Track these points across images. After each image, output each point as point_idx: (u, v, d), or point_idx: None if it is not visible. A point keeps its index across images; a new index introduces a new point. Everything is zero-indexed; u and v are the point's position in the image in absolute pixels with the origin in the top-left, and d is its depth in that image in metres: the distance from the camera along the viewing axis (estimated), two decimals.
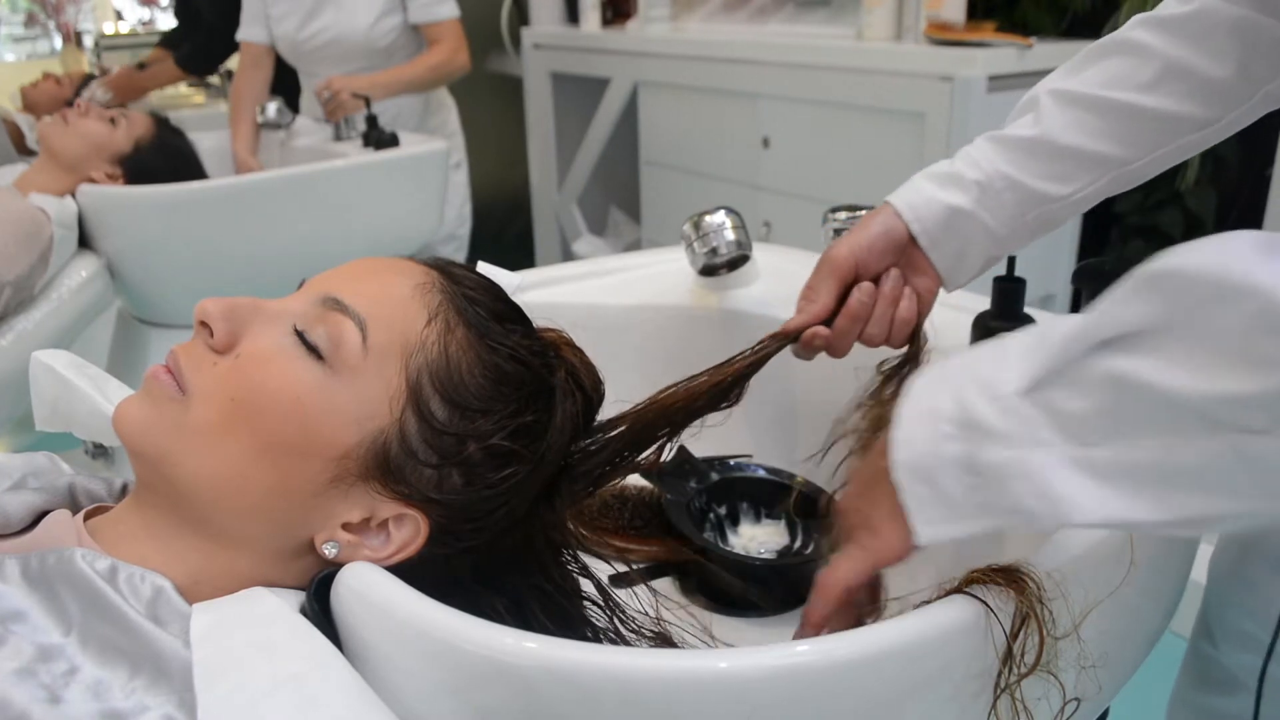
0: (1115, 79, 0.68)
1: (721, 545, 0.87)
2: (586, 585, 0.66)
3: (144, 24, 4.64)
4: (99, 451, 1.63)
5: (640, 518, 0.89)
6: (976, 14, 1.96)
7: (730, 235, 0.96)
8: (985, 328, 0.82)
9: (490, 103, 3.20)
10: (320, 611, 0.52)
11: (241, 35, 2.16)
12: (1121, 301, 0.44)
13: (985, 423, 0.47)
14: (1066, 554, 0.55)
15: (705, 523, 0.88)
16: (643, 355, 0.94)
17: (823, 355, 0.78)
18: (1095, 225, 2.11)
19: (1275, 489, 0.42)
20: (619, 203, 3.00)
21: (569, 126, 2.92)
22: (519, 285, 0.93)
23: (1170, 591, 0.71)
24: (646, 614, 0.66)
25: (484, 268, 0.83)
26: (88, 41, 4.13)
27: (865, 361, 0.84)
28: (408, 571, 0.53)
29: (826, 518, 0.76)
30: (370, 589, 0.51)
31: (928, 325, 0.76)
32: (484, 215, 2.56)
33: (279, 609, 0.50)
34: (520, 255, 3.19)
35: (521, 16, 3.09)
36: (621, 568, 0.77)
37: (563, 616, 0.62)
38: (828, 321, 0.73)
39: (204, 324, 0.54)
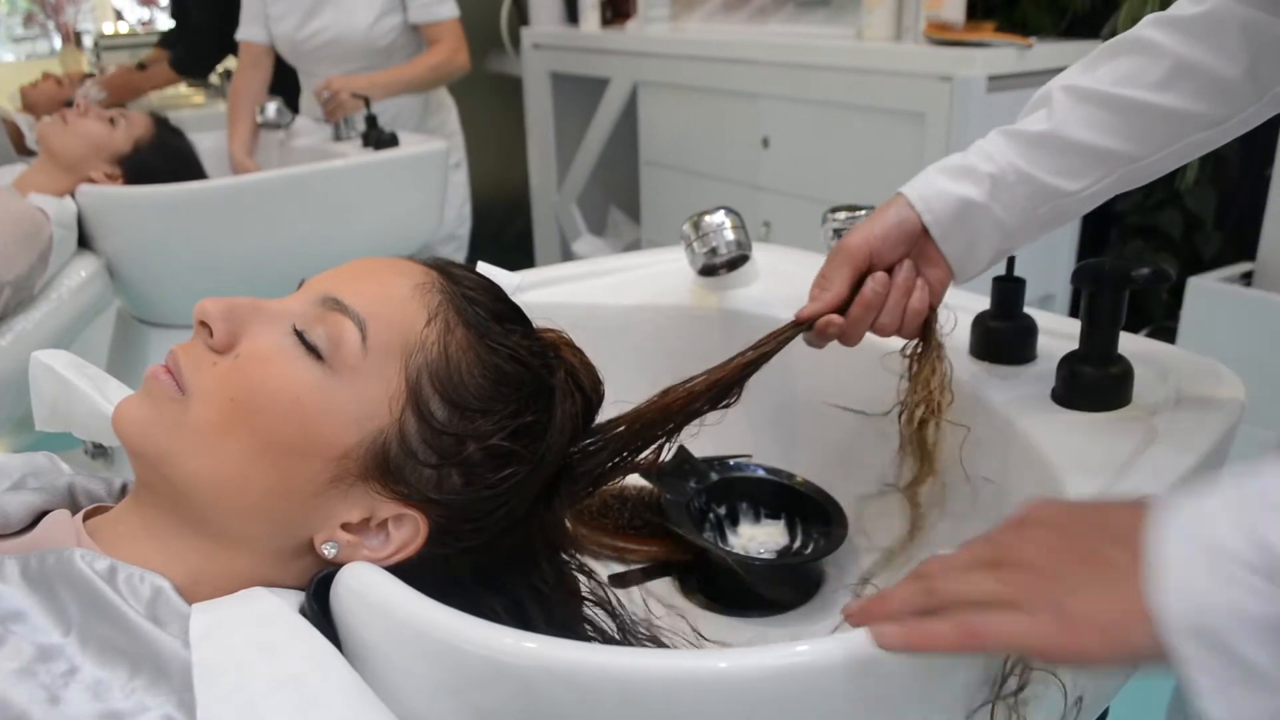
0: (1127, 77, 0.69)
1: (721, 545, 0.87)
2: (586, 585, 0.66)
3: (144, 24, 4.63)
4: (98, 451, 1.63)
5: (640, 518, 0.89)
6: (976, 14, 1.96)
7: (730, 235, 0.96)
8: (985, 327, 0.82)
9: (490, 103, 3.20)
10: (320, 611, 0.52)
11: (241, 35, 2.15)
12: None
13: None
14: None
15: (705, 523, 0.88)
16: (642, 355, 0.94)
17: (822, 355, 0.78)
18: (1095, 225, 2.11)
19: None
20: (619, 203, 3.00)
21: (569, 126, 2.92)
22: (518, 285, 0.93)
23: None
24: (648, 615, 0.66)
25: (483, 268, 0.83)
26: (87, 41, 4.13)
27: (866, 363, 0.85)
28: (407, 572, 0.53)
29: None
30: (369, 589, 0.51)
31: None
32: (483, 215, 2.56)
33: (278, 609, 0.50)
34: (520, 255, 3.18)
35: (521, 16, 3.09)
36: (621, 568, 0.77)
37: (562, 617, 0.62)
38: (842, 310, 0.74)
39: (203, 324, 0.54)
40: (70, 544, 0.53)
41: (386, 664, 0.50)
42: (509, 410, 0.57)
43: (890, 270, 0.74)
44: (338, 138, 2.00)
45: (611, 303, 0.99)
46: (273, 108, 2.08)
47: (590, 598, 0.66)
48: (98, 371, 0.71)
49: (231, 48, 2.18)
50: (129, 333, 1.85)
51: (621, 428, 0.66)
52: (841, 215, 0.90)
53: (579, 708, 0.47)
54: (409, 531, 0.55)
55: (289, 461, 0.52)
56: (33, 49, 4.66)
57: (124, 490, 0.64)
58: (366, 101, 1.90)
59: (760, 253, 1.02)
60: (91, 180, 1.63)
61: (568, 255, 3.01)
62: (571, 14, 2.93)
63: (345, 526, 0.54)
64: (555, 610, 0.62)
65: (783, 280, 1.00)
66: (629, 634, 0.65)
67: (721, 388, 0.70)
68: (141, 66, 2.80)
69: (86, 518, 0.58)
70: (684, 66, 2.39)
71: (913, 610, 0.45)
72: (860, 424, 0.88)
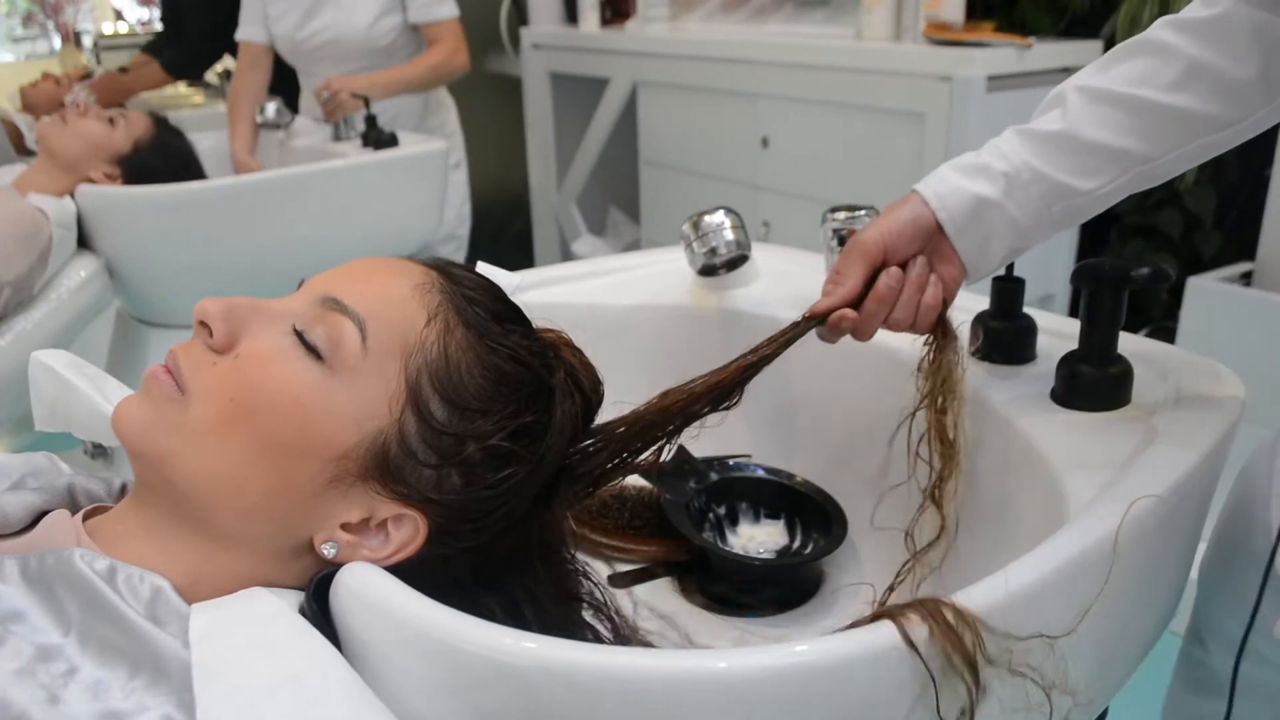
0: (1141, 77, 0.70)
1: (720, 545, 0.87)
2: (585, 586, 0.66)
3: (143, 24, 4.63)
4: (98, 451, 1.63)
5: (639, 518, 0.89)
6: (975, 14, 1.96)
7: (729, 235, 0.96)
8: (985, 327, 0.82)
9: (489, 103, 3.20)
10: (319, 611, 0.52)
11: (240, 35, 2.15)
12: None
13: None
14: (1049, 564, 0.54)
15: (704, 523, 0.88)
16: (642, 355, 0.94)
17: (822, 357, 0.78)
18: (1094, 225, 2.11)
19: None
20: (618, 203, 3.00)
21: (568, 126, 2.92)
22: (518, 285, 0.92)
23: (1167, 593, 0.71)
24: (644, 616, 0.66)
25: (483, 268, 0.83)
26: (86, 41, 4.13)
27: (866, 364, 0.85)
28: (406, 572, 0.53)
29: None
30: (369, 589, 0.51)
31: None
32: (483, 215, 2.56)
33: (278, 609, 0.50)
34: (519, 255, 3.19)
35: (520, 16, 3.09)
36: (621, 568, 0.77)
37: (560, 617, 0.62)
38: (855, 305, 0.74)
39: (203, 324, 0.54)
40: (70, 544, 0.53)
41: (386, 664, 0.50)
42: (509, 410, 0.57)
43: (904, 266, 0.74)
44: (337, 138, 2.00)
45: (611, 303, 0.99)
46: (272, 108, 2.08)
47: (589, 599, 0.65)
48: (97, 371, 0.71)
49: (228, 48, 2.18)
50: (128, 333, 1.85)
51: (621, 429, 0.65)
52: (841, 215, 0.90)
53: (579, 708, 0.47)
54: (408, 531, 0.55)
55: (288, 462, 0.52)
56: (32, 49, 4.66)
57: (123, 490, 0.64)
58: (366, 101, 1.90)
59: (760, 253, 1.02)
60: (91, 180, 1.63)
61: (567, 255, 3.01)
62: (571, 14, 2.93)
63: (345, 526, 0.54)
64: (554, 611, 0.62)
65: (782, 280, 1.00)
66: (627, 635, 0.65)
67: (724, 389, 0.70)
68: (124, 71, 2.78)
69: (86, 518, 0.58)
70: (683, 66, 2.39)
71: None
72: (860, 424, 0.88)
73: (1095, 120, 0.70)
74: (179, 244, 1.65)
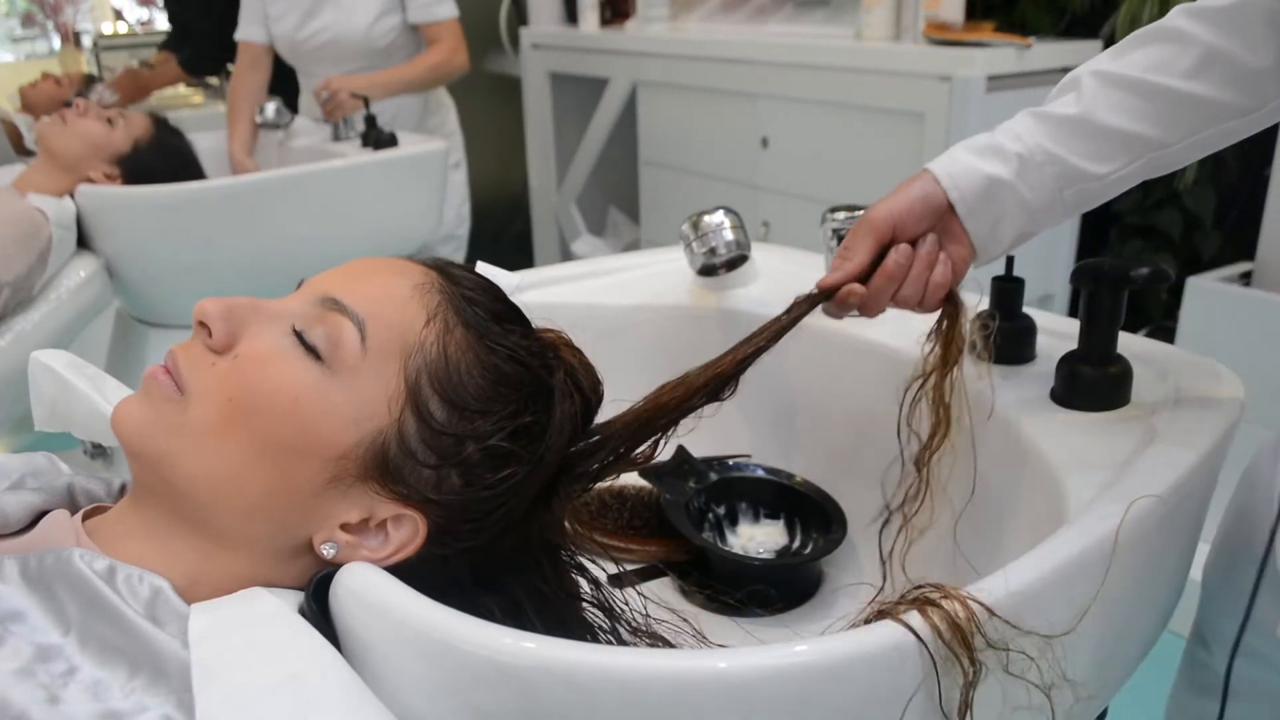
0: (1157, 64, 0.69)
1: (720, 545, 0.87)
2: (585, 586, 0.66)
3: (143, 24, 4.63)
4: (98, 452, 1.63)
5: (639, 518, 0.89)
6: (975, 14, 1.96)
7: (729, 235, 0.96)
8: (984, 326, 0.82)
9: (489, 103, 3.20)
10: (319, 612, 0.52)
11: (240, 35, 2.15)
12: None
13: None
14: (1049, 563, 0.55)
15: (704, 523, 0.88)
16: (642, 355, 0.94)
17: (822, 356, 0.78)
18: (1094, 225, 2.11)
19: None
20: (618, 203, 3.00)
21: (568, 126, 2.92)
22: (518, 285, 0.93)
23: (1166, 593, 0.71)
24: (645, 615, 0.66)
25: (483, 268, 0.83)
26: (86, 42, 4.13)
27: (866, 362, 0.85)
28: (406, 572, 0.53)
29: None
30: (368, 589, 0.51)
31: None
32: (483, 215, 2.56)
33: (277, 609, 0.50)
34: (519, 255, 3.19)
35: (520, 16, 3.09)
36: (621, 568, 0.77)
37: (560, 618, 0.62)
38: (863, 281, 0.73)
39: (202, 324, 0.54)
40: (69, 544, 0.53)
41: (385, 664, 0.50)
42: (508, 411, 0.57)
43: (914, 244, 0.73)
44: (337, 138, 2.00)
45: (611, 303, 0.99)
46: (271, 108, 2.08)
47: (589, 599, 0.65)
48: (97, 372, 0.71)
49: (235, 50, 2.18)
50: (128, 333, 1.85)
51: (619, 426, 0.65)
52: (841, 215, 0.90)
53: (578, 708, 0.47)
54: (408, 532, 0.55)
55: (288, 462, 0.52)
56: (32, 49, 4.66)
57: (123, 490, 0.64)
58: (366, 101, 1.90)
59: (759, 253, 1.02)
60: (90, 180, 1.63)
61: (567, 255, 3.01)
62: (570, 14, 2.93)
63: (344, 527, 0.54)
64: (554, 611, 0.62)
65: (782, 280, 1.00)
66: (627, 635, 0.65)
67: (723, 378, 0.69)
68: (148, 66, 2.82)
69: (85, 518, 0.58)
70: (683, 66, 2.39)
71: None
72: (860, 424, 0.88)
73: (1111, 105, 0.70)
74: (178, 244, 1.65)
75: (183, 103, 3.24)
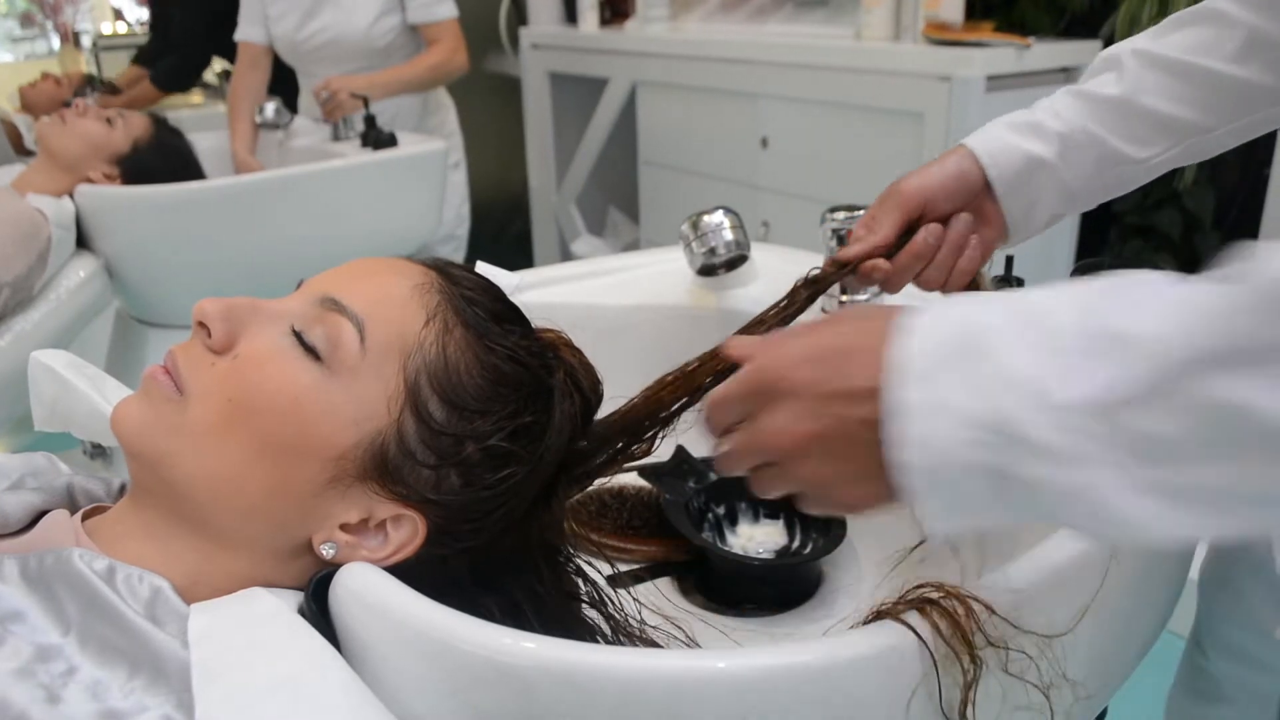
0: (1200, 46, 0.67)
1: (720, 545, 0.87)
2: (584, 586, 0.66)
3: (142, 24, 4.63)
4: (97, 452, 1.63)
5: (639, 518, 0.89)
6: (975, 14, 1.96)
7: (728, 235, 0.96)
8: None
9: (489, 103, 3.20)
10: (318, 612, 0.52)
11: (239, 35, 2.15)
12: (1245, 314, 0.35)
13: (1034, 438, 0.38)
14: (1049, 563, 0.55)
15: (704, 523, 0.88)
16: (641, 355, 0.94)
17: None
18: (1093, 225, 2.11)
19: None
20: (617, 203, 3.00)
21: (567, 126, 2.92)
22: (517, 285, 0.93)
23: (1165, 593, 0.71)
24: (640, 620, 0.66)
25: (482, 268, 0.83)
26: (85, 42, 4.13)
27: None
28: (405, 572, 0.53)
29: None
30: (368, 589, 0.51)
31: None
32: (482, 215, 2.56)
33: (277, 609, 0.50)
34: (519, 255, 3.18)
35: (520, 16, 3.09)
36: (621, 568, 0.77)
37: (560, 618, 0.62)
38: (886, 255, 0.70)
39: (202, 324, 0.54)
40: (69, 544, 0.53)
41: (385, 664, 0.50)
42: (507, 411, 0.57)
43: (943, 222, 0.70)
44: (336, 138, 2.00)
45: (610, 303, 0.99)
46: (271, 108, 2.08)
47: (588, 599, 0.65)
48: (97, 372, 0.71)
49: (213, 56, 2.17)
50: (128, 333, 1.85)
51: (617, 422, 0.65)
52: (840, 215, 0.90)
53: (578, 708, 0.47)
54: (407, 532, 0.55)
55: (287, 462, 0.52)
56: (31, 49, 4.66)
57: (123, 490, 0.64)
58: (365, 101, 1.90)
59: (759, 253, 1.02)
60: (90, 180, 1.63)
61: (567, 255, 3.01)
62: (570, 14, 2.92)
63: (344, 527, 0.54)
64: (553, 611, 0.62)
65: (781, 280, 0.99)
66: (626, 635, 0.65)
67: (727, 373, 0.67)
68: (114, 90, 2.77)
69: (85, 518, 0.58)
70: (683, 66, 2.39)
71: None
72: None
73: (1154, 87, 0.67)
74: (178, 244, 1.65)
75: (182, 103, 3.24)
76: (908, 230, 0.70)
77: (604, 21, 2.79)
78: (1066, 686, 0.54)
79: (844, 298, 0.88)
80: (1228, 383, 0.35)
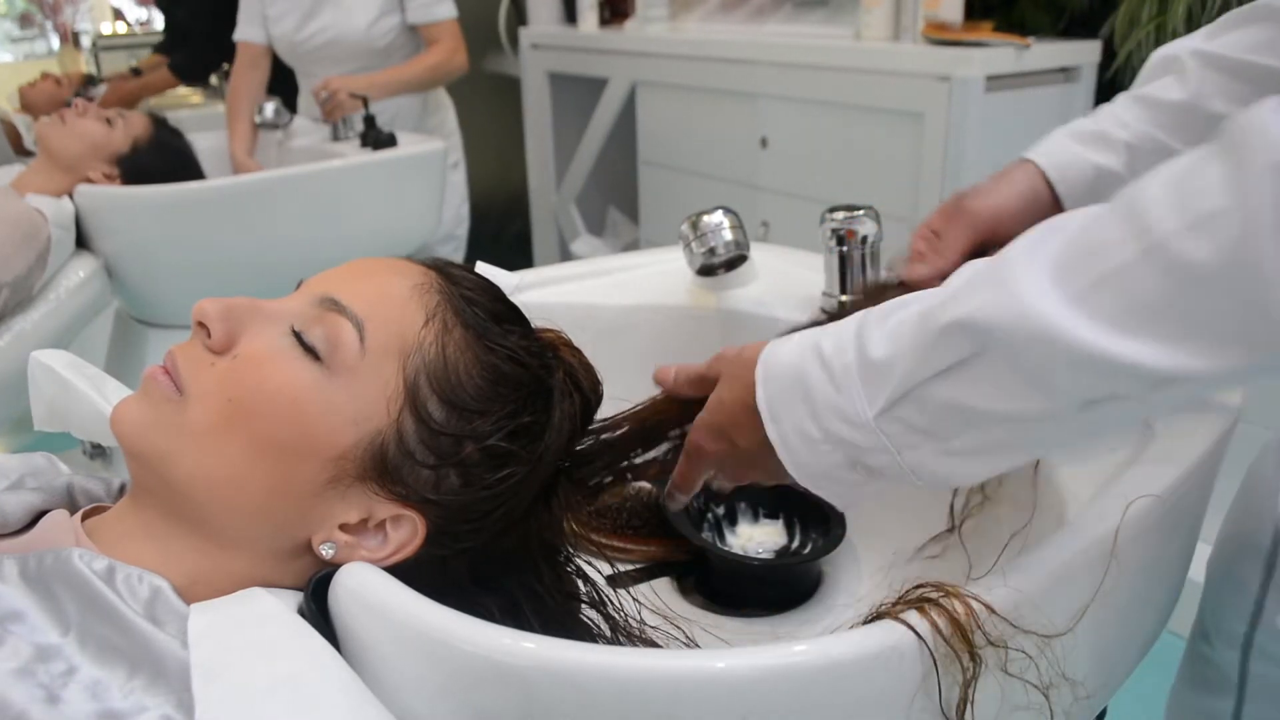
0: (1259, 45, 0.65)
1: (719, 545, 0.87)
2: (584, 586, 0.66)
3: (142, 24, 4.63)
4: (97, 451, 1.63)
5: (638, 518, 0.89)
6: (974, 14, 1.96)
7: (728, 235, 0.96)
8: None
9: (488, 103, 3.20)
10: (318, 612, 0.52)
11: (239, 35, 2.15)
12: (941, 343, 0.48)
13: (861, 443, 0.52)
14: (1049, 563, 0.55)
15: (703, 523, 0.88)
16: (641, 355, 0.94)
17: None
18: None
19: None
20: (617, 203, 3.00)
21: (567, 126, 2.92)
22: (517, 285, 0.93)
23: (1165, 593, 0.71)
24: (640, 621, 0.66)
25: (482, 268, 0.83)
26: (85, 42, 4.13)
27: None
28: (405, 572, 0.53)
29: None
30: (367, 589, 0.51)
31: None
32: (482, 215, 2.56)
33: (277, 609, 0.50)
34: (518, 255, 3.18)
35: (519, 16, 3.09)
36: (620, 568, 0.77)
37: (559, 618, 0.62)
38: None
39: (201, 324, 0.54)
40: (69, 544, 0.53)
41: (384, 664, 0.50)
42: (507, 411, 0.57)
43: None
44: (336, 138, 2.00)
45: (610, 303, 0.99)
46: (270, 108, 2.08)
47: (588, 599, 0.65)
48: (96, 372, 0.71)
49: (232, 52, 2.18)
50: (127, 333, 1.85)
51: (624, 428, 0.65)
52: (840, 215, 0.90)
53: (577, 708, 0.47)
54: (407, 532, 0.55)
55: (287, 462, 0.52)
56: (30, 49, 4.66)
57: (122, 490, 0.64)
58: (365, 102, 1.90)
59: (758, 253, 1.02)
60: (89, 180, 1.63)
61: (566, 255, 3.01)
62: (570, 14, 2.92)
63: (343, 527, 0.54)
64: (553, 611, 0.62)
65: (781, 280, 1.00)
66: (626, 635, 0.65)
67: None
68: (136, 72, 2.80)
69: (85, 518, 0.58)
70: (682, 66, 2.39)
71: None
72: None
73: (1217, 90, 0.65)
74: (178, 244, 1.65)
75: (182, 102, 3.24)
76: (973, 252, 0.68)
77: (603, 21, 2.79)
78: (1066, 686, 0.54)
79: (843, 297, 0.88)
80: (935, 385, 0.48)
